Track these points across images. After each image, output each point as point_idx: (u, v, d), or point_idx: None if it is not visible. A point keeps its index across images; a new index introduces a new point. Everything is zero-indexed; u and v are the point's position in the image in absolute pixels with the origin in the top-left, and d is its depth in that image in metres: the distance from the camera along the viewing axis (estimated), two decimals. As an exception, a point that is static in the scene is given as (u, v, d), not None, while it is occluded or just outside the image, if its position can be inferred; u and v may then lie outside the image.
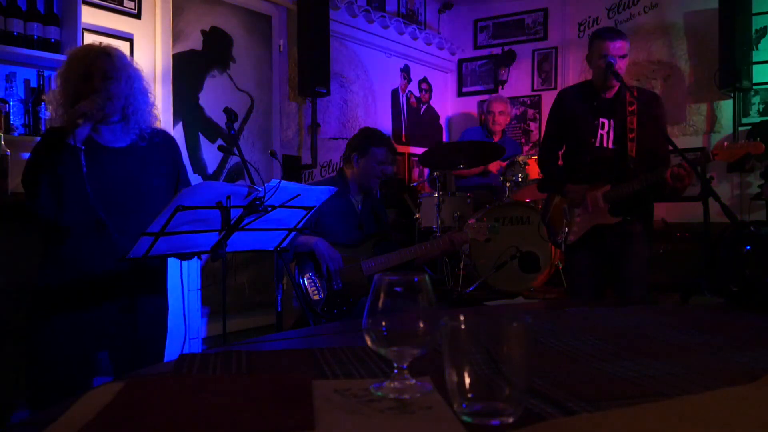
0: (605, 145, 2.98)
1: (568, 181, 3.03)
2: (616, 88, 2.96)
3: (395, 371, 0.80)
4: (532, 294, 4.35)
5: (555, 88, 5.83)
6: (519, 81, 6.06)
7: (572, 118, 3.03)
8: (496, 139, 5.24)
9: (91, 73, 1.97)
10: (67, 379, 1.94)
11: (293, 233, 2.15)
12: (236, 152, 2.21)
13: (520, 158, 4.67)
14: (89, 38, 3.30)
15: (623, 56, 2.88)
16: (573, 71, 5.77)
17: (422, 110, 6.09)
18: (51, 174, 1.89)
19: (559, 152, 3.20)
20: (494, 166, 4.96)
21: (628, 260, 2.95)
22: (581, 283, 3.06)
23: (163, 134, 2.21)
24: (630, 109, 2.91)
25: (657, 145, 2.92)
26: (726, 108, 5.02)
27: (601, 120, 2.97)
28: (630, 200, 2.89)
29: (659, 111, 2.97)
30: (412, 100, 5.94)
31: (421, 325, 0.79)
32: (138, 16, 3.63)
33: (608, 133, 2.97)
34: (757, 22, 4.83)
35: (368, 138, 3.22)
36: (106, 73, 1.99)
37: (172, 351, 2.90)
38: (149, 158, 2.13)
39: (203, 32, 4.05)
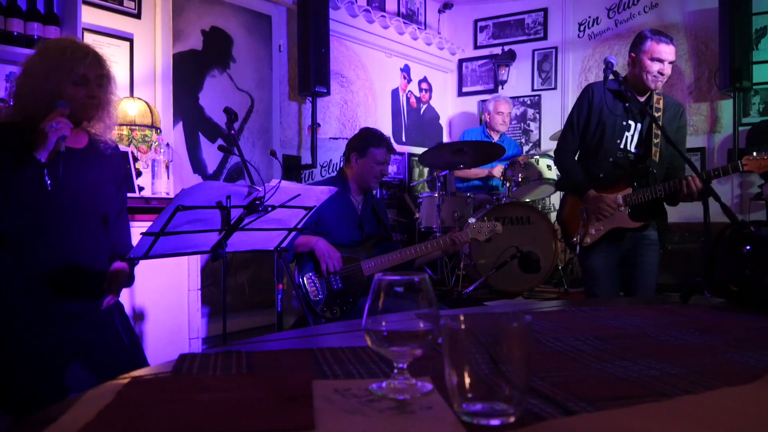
0: (628, 147, 2.93)
1: (590, 185, 2.93)
2: (649, 92, 2.91)
3: (395, 371, 0.80)
4: (532, 294, 4.35)
5: (555, 88, 5.84)
6: (519, 81, 6.06)
7: (602, 116, 2.93)
8: (496, 139, 5.24)
9: (87, 79, 1.91)
10: (36, 386, 1.82)
11: (293, 233, 2.16)
12: (236, 152, 2.21)
13: (520, 158, 4.67)
14: (89, 38, 3.31)
15: (672, 61, 2.83)
16: (573, 71, 5.77)
17: (422, 110, 6.09)
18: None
19: (577, 150, 3.09)
20: (497, 170, 4.95)
21: (641, 270, 2.92)
22: (598, 286, 2.99)
23: (115, 146, 2.15)
24: (657, 114, 2.89)
25: (676, 152, 2.89)
26: (726, 108, 5.02)
27: (629, 122, 2.91)
28: (650, 205, 2.86)
29: (683, 120, 2.96)
30: (412, 100, 5.94)
31: (421, 325, 0.79)
32: (138, 16, 3.63)
33: (633, 135, 2.92)
34: (757, 22, 4.83)
35: (368, 138, 3.22)
36: (100, 81, 1.95)
37: (172, 351, 2.90)
38: (103, 163, 2.06)
39: (203, 32, 4.05)
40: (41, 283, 1.87)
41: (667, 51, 2.81)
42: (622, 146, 2.92)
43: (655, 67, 2.80)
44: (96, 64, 1.94)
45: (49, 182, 1.82)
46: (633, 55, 2.89)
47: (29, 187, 1.79)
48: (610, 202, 2.87)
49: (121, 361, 1.96)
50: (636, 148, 2.93)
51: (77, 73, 1.89)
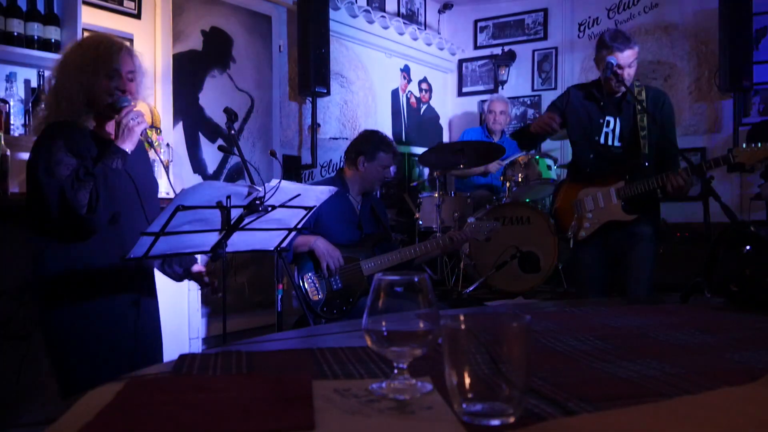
0: (610, 143, 2.98)
1: (574, 176, 3.05)
2: (624, 89, 2.96)
3: (395, 371, 0.80)
4: (532, 294, 4.35)
5: (555, 88, 5.84)
6: (519, 81, 6.06)
7: (576, 114, 3.04)
8: (496, 139, 5.24)
9: (119, 72, 1.96)
10: (94, 369, 1.91)
11: (293, 233, 2.15)
12: (236, 152, 2.21)
13: (521, 158, 4.66)
14: (89, 38, 3.30)
15: (631, 64, 2.86)
16: (573, 71, 5.77)
17: (422, 110, 6.08)
18: (104, 183, 1.87)
19: None
20: (493, 167, 4.96)
21: (634, 265, 2.94)
22: (587, 280, 3.05)
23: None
24: (639, 107, 2.92)
25: (665, 142, 2.93)
26: (726, 108, 5.02)
27: (607, 118, 2.98)
28: (643, 198, 2.88)
29: (666, 108, 2.98)
30: (412, 100, 5.94)
31: (421, 325, 0.79)
32: (138, 16, 3.63)
33: (614, 131, 2.98)
34: (757, 22, 4.83)
35: (377, 143, 3.22)
36: (131, 76, 2.00)
37: (172, 351, 2.89)
38: (144, 157, 2.15)
39: (203, 32, 4.05)
40: (110, 273, 1.95)
41: (622, 57, 2.84)
42: (602, 141, 2.99)
43: (610, 77, 2.86)
44: (128, 59, 2.00)
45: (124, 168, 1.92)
46: (596, 59, 2.98)
47: (119, 177, 1.90)
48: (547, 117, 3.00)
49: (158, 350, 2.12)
50: (619, 141, 2.98)
51: (110, 67, 1.95)
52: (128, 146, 1.92)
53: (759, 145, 2.69)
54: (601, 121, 2.98)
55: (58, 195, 1.81)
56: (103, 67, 1.94)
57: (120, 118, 1.92)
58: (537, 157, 4.59)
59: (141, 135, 1.95)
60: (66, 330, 1.94)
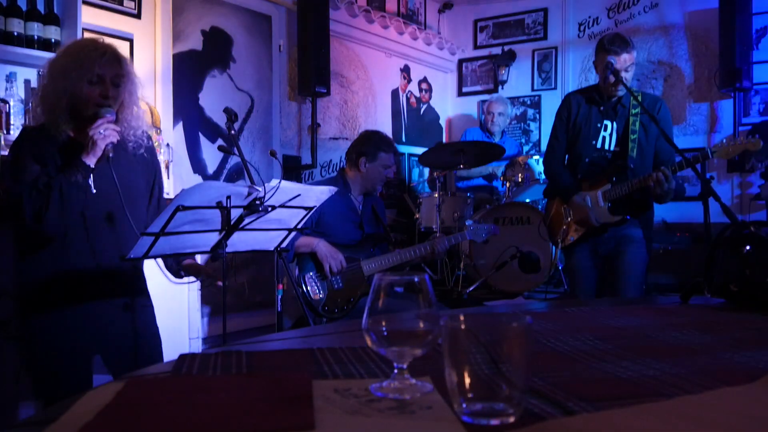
0: (606, 147, 3.00)
1: (576, 190, 3.01)
2: (621, 92, 2.97)
3: (395, 371, 0.80)
4: (532, 294, 4.35)
5: (555, 88, 5.84)
6: (519, 81, 6.06)
7: (577, 121, 3.05)
8: (496, 139, 5.25)
9: (102, 78, 1.90)
10: (66, 377, 1.91)
11: (293, 233, 2.16)
12: (236, 152, 2.21)
13: (520, 158, 4.67)
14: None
15: (628, 67, 2.87)
16: (573, 71, 5.77)
17: (422, 110, 6.08)
18: (57, 192, 1.82)
19: (565, 157, 3.17)
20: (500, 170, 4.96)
21: (624, 269, 2.95)
22: (581, 283, 3.07)
23: (148, 145, 2.13)
24: (633, 111, 2.93)
25: (658, 147, 2.94)
26: (726, 108, 5.02)
27: (605, 122, 2.99)
28: (630, 200, 2.89)
29: (662, 114, 2.98)
30: (412, 100, 5.94)
31: (421, 325, 0.79)
32: (138, 16, 3.63)
33: (611, 135, 2.99)
34: (757, 22, 4.83)
35: (377, 143, 3.23)
36: (117, 80, 1.93)
37: (172, 351, 2.89)
38: (133, 162, 2.07)
39: (203, 32, 4.05)
40: (79, 281, 1.93)
41: (619, 60, 2.84)
42: (598, 146, 3.00)
43: (610, 78, 2.87)
44: (113, 63, 1.93)
45: (93, 185, 1.89)
46: (595, 62, 2.99)
47: (77, 190, 1.85)
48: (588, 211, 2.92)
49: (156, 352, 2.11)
50: (615, 146, 2.99)
51: (92, 72, 1.89)
52: (91, 160, 1.85)
53: (739, 139, 2.72)
54: (599, 125, 2.99)
55: (16, 200, 1.81)
56: (85, 73, 1.88)
57: (88, 129, 1.85)
58: (537, 157, 4.59)
59: (107, 148, 1.85)
60: (46, 336, 1.90)
